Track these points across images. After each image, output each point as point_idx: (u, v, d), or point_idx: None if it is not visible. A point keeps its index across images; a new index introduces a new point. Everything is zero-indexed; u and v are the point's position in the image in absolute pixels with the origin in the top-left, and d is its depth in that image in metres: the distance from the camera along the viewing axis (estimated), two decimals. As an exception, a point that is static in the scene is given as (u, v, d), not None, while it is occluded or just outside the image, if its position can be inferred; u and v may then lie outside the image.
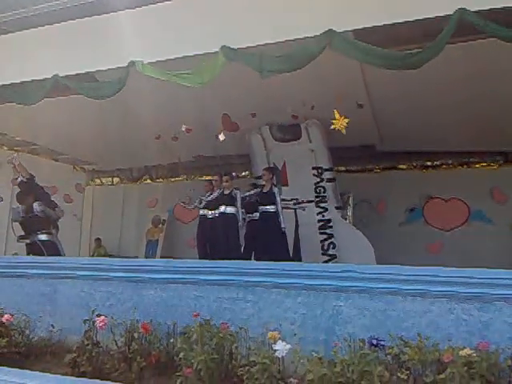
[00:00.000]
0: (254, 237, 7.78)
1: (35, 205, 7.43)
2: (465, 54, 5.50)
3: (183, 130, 7.73)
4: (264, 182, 7.85)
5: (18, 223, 7.60)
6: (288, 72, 4.81)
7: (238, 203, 7.61)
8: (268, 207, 7.60)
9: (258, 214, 7.80)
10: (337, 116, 5.01)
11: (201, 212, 8.26)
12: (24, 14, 5.76)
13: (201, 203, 8.29)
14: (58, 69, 5.69)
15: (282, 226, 7.53)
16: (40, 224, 7.44)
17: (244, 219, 7.79)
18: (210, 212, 7.96)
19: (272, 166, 8.33)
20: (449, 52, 4.48)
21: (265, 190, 7.79)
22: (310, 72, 5.59)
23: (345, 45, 4.49)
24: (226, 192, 7.69)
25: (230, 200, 7.65)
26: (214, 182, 8.33)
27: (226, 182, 7.73)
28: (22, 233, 7.57)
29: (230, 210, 7.61)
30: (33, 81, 5.91)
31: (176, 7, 5.31)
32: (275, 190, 7.74)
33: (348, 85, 6.91)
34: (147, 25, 5.45)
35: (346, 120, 4.98)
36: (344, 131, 5.04)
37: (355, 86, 6.96)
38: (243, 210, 7.75)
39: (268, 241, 7.47)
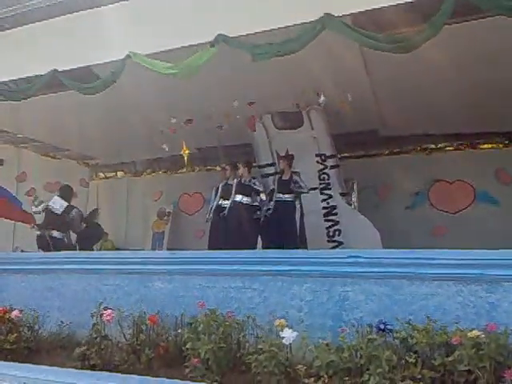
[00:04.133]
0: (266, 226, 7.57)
1: (75, 210, 7.71)
2: (466, 34, 5.44)
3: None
4: (280, 169, 7.74)
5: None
6: (281, 56, 4.78)
7: (261, 190, 7.52)
8: (287, 196, 7.43)
9: (271, 203, 7.60)
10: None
11: (218, 202, 8.01)
12: (19, 10, 5.74)
13: (216, 193, 8.13)
14: (54, 64, 5.71)
15: (297, 216, 7.40)
16: (62, 225, 7.57)
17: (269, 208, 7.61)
18: (225, 201, 7.80)
19: (289, 153, 8.09)
20: (450, 32, 4.44)
21: (284, 178, 7.61)
22: (310, 59, 5.58)
23: (342, 26, 4.45)
24: (244, 181, 7.59)
25: (248, 189, 7.54)
26: (227, 172, 8.22)
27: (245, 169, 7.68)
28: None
29: (246, 199, 7.52)
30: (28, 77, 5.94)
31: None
32: (296, 178, 7.62)
33: (349, 70, 6.85)
34: (142, 17, 5.45)
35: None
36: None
37: (356, 71, 6.89)
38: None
39: (281, 232, 7.23)
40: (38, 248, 7.48)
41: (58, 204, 7.62)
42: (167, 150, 8.51)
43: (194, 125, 8.33)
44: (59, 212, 7.62)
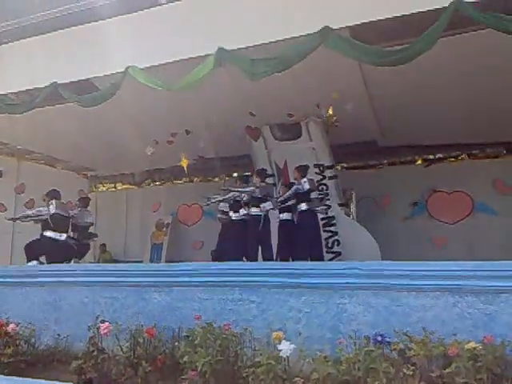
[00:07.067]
0: (290, 238, 7.43)
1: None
2: (464, 46, 5.49)
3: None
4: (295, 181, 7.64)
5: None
6: (279, 72, 4.82)
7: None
8: (302, 205, 7.36)
9: (290, 214, 7.56)
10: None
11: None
12: (18, 24, 5.80)
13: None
14: (54, 77, 5.76)
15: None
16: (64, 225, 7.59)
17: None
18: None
19: (304, 164, 7.83)
20: (447, 44, 4.47)
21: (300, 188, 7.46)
22: (308, 71, 5.62)
23: (339, 43, 4.48)
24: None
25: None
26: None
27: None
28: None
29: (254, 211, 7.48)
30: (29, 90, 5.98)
31: (168, 12, 5.35)
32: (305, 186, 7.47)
33: (346, 81, 6.89)
34: (141, 31, 5.50)
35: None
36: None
37: (354, 82, 6.94)
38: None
39: (307, 242, 7.20)
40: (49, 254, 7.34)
41: (61, 208, 7.59)
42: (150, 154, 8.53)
43: (193, 136, 8.36)
44: (68, 214, 7.67)
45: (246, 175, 8.72)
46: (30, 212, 7.73)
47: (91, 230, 8.52)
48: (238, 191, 7.69)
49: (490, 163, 9.53)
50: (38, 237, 7.38)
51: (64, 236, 7.40)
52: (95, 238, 8.91)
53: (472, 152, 9.73)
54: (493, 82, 6.53)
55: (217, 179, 11.42)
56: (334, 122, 7.24)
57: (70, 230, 7.74)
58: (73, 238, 7.76)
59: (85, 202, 8.46)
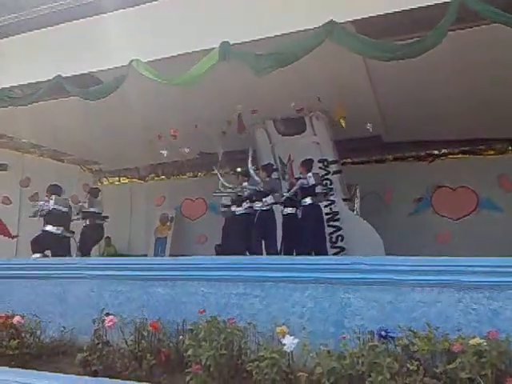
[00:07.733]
0: (294, 232, 7.40)
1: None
2: (468, 41, 5.45)
3: None
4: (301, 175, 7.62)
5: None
6: (283, 67, 4.81)
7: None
8: (306, 200, 7.39)
9: (294, 209, 7.55)
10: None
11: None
12: (23, 16, 5.79)
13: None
14: (58, 71, 5.76)
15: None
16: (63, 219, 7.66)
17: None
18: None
19: (309, 158, 7.80)
20: (452, 39, 4.44)
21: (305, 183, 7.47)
22: (313, 65, 5.60)
23: (344, 37, 4.46)
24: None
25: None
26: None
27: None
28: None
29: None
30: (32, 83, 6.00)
31: (172, 5, 5.33)
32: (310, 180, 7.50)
33: (351, 76, 6.86)
34: (144, 24, 5.49)
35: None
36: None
37: (358, 76, 6.91)
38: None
39: (311, 237, 7.20)
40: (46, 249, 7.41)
41: (61, 203, 7.65)
42: (165, 155, 8.49)
43: (197, 130, 8.35)
44: (68, 209, 7.75)
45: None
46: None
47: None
48: (244, 187, 7.68)
49: (496, 159, 9.48)
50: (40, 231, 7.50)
51: (61, 229, 7.51)
52: (107, 219, 9.00)
53: (477, 148, 9.69)
54: (498, 77, 6.49)
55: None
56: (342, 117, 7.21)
57: (70, 226, 7.85)
58: (71, 231, 7.86)
59: (94, 192, 8.77)
